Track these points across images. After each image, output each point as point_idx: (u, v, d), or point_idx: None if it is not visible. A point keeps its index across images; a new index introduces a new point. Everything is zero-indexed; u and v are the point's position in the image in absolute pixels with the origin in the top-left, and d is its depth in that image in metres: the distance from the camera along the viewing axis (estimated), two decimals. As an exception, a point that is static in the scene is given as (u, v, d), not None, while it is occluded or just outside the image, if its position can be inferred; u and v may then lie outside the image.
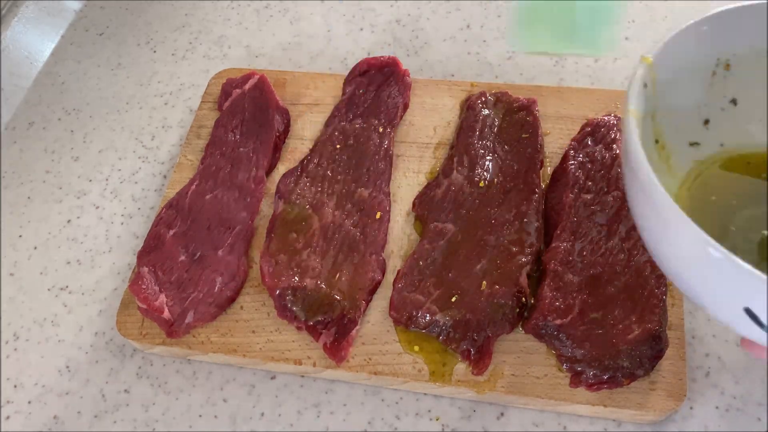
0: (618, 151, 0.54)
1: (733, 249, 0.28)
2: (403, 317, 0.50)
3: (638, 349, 0.46)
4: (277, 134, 0.62)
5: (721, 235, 0.36)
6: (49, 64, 0.77)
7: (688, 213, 0.30)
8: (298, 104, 0.65)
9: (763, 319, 0.27)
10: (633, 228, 0.51)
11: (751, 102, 0.39)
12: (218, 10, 0.79)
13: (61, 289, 0.60)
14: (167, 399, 0.53)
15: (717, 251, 0.27)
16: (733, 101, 0.40)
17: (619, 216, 0.52)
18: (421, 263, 0.52)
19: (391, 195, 0.58)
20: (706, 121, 0.40)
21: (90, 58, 0.77)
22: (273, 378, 0.53)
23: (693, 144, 0.40)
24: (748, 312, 0.27)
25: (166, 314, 0.52)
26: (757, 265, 0.27)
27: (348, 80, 0.64)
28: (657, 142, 0.39)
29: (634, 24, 0.70)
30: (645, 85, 0.35)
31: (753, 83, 0.39)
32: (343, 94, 0.64)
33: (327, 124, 0.62)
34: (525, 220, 0.53)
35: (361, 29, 0.74)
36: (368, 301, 0.53)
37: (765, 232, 0.37)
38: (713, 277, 0.28)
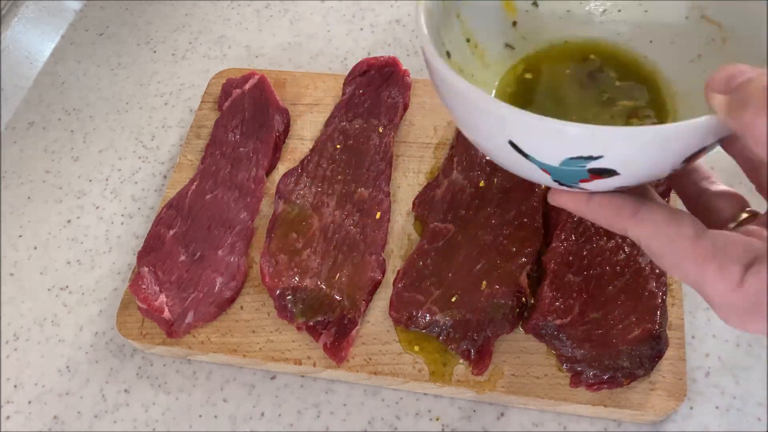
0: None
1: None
2: (403, 317, 0.50)
3: (638, 349, 0.46)
4: (277, 134, 0.62)
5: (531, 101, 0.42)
6: (49, 64, 0.77)
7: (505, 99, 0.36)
8: (298, 104, 0.65)
9: (525, 150, 0.31)
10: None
11: (550, 1, 0.43)
12: (218, 10, 0.79)
13: (61, 289, 0.60)
14: (167, 399, 0.53)
15: (477, 94, 0.31)
16: (535, 3, 0.43)
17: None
18: (421, 263, 0.52)
19: (391, 195, 0.58)
20: (514, 23, 0.44)
21: (90, 58, 0.77)
22: (273, 378, 0.53)
23: (508, 46, 0.44)
24: (512, 144, 0.32)
25: (166, 314, 0.52)
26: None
27: (348, 80, 0.64)
28: (468, 41, 0.42)
29: (634, 24, 0.70)
30: None
31: None
32: (343, 94, 0.64)
33: (327, 124, 0.62)
34: (525, 220, 0.53)
35: (361, 29, 0.74)
36: (368, 301, 0.53)
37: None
38: (480, 117, 0.33)
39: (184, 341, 0.53)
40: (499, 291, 0.49)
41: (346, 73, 0.65)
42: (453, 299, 0.50)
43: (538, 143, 0.31)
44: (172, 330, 0.52)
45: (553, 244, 0.51)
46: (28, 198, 0.66)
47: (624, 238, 0.51)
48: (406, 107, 0.63)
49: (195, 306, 0.53)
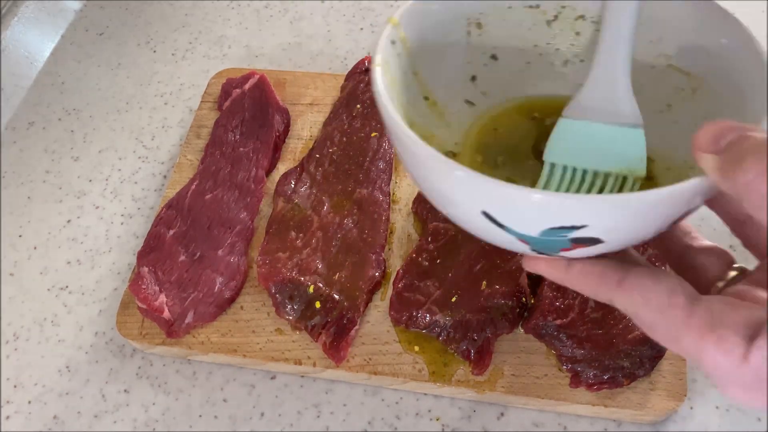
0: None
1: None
2: (403, 317, 0.50)
3: (638, 349, 0.46)
4: (277, 134, 0.62)
5: (493, 165, 0.39)
6: (49, 64, 0.77)
7: (470, 162, 0.34)
8: (298, 104, 0.65)
9: (501, 221, 0.29)
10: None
11: (509, 55, 0.41)
12: (218, 10, 0.79)
13: (61, 289, 0.60)
14: (167, 399, 0.53)
15: (446, 163, 0.29)
16: (494, 56, 0.41)
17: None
18: (420, 263, 0.52)
19: (391, 195, 0.58)
20: (473, 78, 0.41)
21: (90, 58, 0.77)
22: (273, 378, 0.53)
23: (468, 102, 0.41)
24: (486, 215, 0.29)
25: (166, 314, 0.52)
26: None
27: (349, 76, 0.64)
28: (427, 99, 0.40)
29: (634, 24, 0.70)
30: (393, 42, 0.36)
31: (507, 37, 0.41)
32: (343, 90, 0.64)
33: (327, 124, 0.62)
34: (525, 220, 0.53)
35: (361, 29, 0.74)
36: (368, 301, 0.53)
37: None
38: (449, 188, 0.31)
39: (184, 341, 0.53)
40: (499, 291, 0.49)
41: (346, 73, 0.65)
42: (453, 299, 0.50)
43: (516, 214, 0.29)
44: (171, 330, 0.52)
45: (553, 244, 0.51)
46: (28, 198, 0.66)
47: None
48: (406, 107, 0.63)
49: (195, 306, 0.53)
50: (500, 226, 0.29)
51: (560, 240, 0.29)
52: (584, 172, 0.35)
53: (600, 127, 0.36)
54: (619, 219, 0.28)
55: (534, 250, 0.31)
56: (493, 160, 0.39)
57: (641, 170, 0.35)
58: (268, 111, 0.62)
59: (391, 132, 0.33)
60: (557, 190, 0.36)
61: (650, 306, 0.29)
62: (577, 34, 0.40)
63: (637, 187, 0.35)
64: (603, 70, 0.36)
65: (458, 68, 0.41)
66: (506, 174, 0.37)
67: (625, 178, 0.35)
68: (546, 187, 0.36)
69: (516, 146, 0.40)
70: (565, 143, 0.37)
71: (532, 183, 0.37)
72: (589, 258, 0.31)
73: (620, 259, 0.32)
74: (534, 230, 0.29)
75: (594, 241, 0.29)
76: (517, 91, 0.41)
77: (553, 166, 0.36)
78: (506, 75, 0.41)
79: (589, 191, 0.35)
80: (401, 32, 0.37)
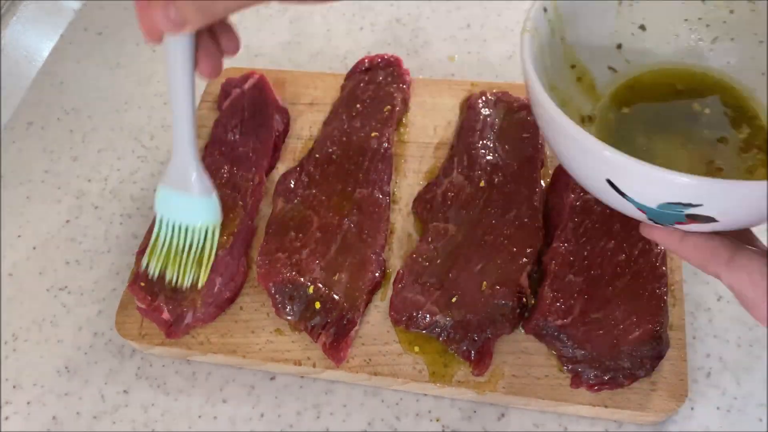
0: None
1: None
2: (403, 318, 0.50)
3: (639, 349, 0.46)
4: (277, 134, 0.61)
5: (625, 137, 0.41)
6: (48, 63, 0.77)
7: (607, 126, 0.37)
8: (298, 104, 0.65)
9: (623, 190, 0.32)
10: (634, 228, 0.51)
11: (658, 26, 0.43)
12: (218, 10, 0.79)
13: (60, 289, 0.60)
14: (166, 400, 0.53)
15: (579, 133, 0.32)
16: (642, 27, 0.43)
17: (620, 216, 0.51)
18: (421, 263, 0.52)
19: (391, 195, 0.58)
20: (619, 46, 0.43)
21: (89, 57, 0.77)
22: (273, 379, 0.53)
23: (611, 68, 0.43)
24: (610, 183, 0.32)
25: (165, 314, 0.52)
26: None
27: (349, 76, 0.64)
28: (573, 67, 0.42)
29: (634, 23, 0.70)
30: (545, 9, 0.38)
31: (659, 9, 0.43)
32: (343, 90, 0.64)
33: (326, 124, 0.62)
34: (525, 220, 0.53)
35: (361, 29, 0.74)
36: (368, 302, 0.52)
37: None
38: (580, 155, 0.33)
39: (184, 342, 0.52)
40: (500, 291, 0.49)
41: (346, 72, 0.65)
42: (453, 300, 0.50)
43: (638, 187, 0.31)
44: (171, 330, 0.52)
45: (554, 245, 0.51)
46: (27, 198, 0.66)
47: (624, 238, 0.50)
48: (406, 106, 0.63)
49: (193, 307, 0.52)
50: (622, 194, 0.32)
51: (676, 214, 0.32)
52: (179, 223, 0.50)
53: (181, 194, 0.50)
54: (732, 202, 0.30)
55: (651, 219, 0.34)
56: (628, 128, 0.41)
57: (215, 223, 0.51)
58: (268, 111, 0.62)
59: (534, 98, 0.35)
60: (165, 239, 0.50)
61: (755, 287, 0.31)
62: (731, 12, 0.41)
63: (217, 233, 0.51)
64: (176, 154, 0.49)
65: (605, 35, 0.42)
66: (640, 142, 0.38)
67: (205, 228, 0.50)
68: (156, 236, 0.50)
69: (653, 116, 0.41)
70: (163, 202, 0.51)
71: (664, 152, 0.39)
72: (703, 233, 0.34)
73: (735, 236, 0.34)
74: (652, 202, 0.32)
75: (708, 219, 0.31)
76: (661, 62, 0.43)
77: (159, 216, 0.51)
78: (652, 45, 0.43)
79: (185, 241, 0.50)
80: (554, 1, 0.39)
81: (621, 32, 0.43)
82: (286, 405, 0.52)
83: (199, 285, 0.51)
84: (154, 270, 0.52)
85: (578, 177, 0.36)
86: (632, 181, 0.31)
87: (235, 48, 0.45)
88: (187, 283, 0.51)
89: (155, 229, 0.51)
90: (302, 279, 0.52)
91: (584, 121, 0.34)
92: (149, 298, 0.52)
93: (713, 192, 0.29)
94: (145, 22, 0.41)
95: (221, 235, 0.54)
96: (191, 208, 0.50)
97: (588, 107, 0.42)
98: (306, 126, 0.64)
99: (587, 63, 0.42)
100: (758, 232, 0.36)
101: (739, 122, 0.40)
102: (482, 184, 0.55)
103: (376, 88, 0.62)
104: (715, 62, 0.42)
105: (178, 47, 0.43)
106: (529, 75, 0.34)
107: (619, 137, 0.33)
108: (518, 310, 0.49)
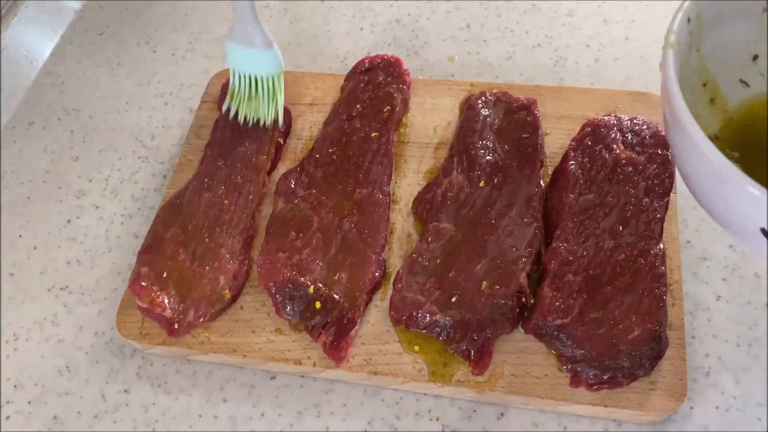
0: (618, 152, 0.54)
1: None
2: (403, 317, 0.50)
3: (638, 349, 0.46)
4: (279, 134, 0.61)
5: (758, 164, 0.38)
6: (48, 63, 0.77)
7: (731, 147, 0.32)
8: (298, 104, 0.65)
9: None
10: (633, 228, 0.51)
11: None
12: (218, 10, 0.79)
13: (61, 289, 0.60)
14: (167, 399, 0.53)
15: (740, 178, 0.28)
16: None
17: (620, 216, 0.52)
18: (421, 263, 0.52)
19: (391, 195, 0.58)
20: (755, 57, 0.40)
21: (90, 57, 0.77)
22: (273, 378, 0.53)
23: (743, 82, 0.40)
24: (765, 232, 0.29)
25: (166, 314, 0.52)
26: None
27: (349, 76, 0.64)
28: (705, 84, 0.39)
29: (634, 24, 0.70)
30: (689, 20, 0.35)
31: None
32: (343, 90, 0.64)
33: (327, 124, 0.62)
34: (525, 220, 0.53)
35: (361, 29, 0.74)
36: (368, 301, 0.53)
37: None
38: (729, 197, 0.30)
39: (184, 341, 0.52)
40: (499, 291, 0.49)
41: (346, 73, 0.65)
42: (453, 299, 0.50)
43: None
44: (172, 330, 0.52)
45: (554, 245, 0.51)
46: (28, 198, 0.66)
47: (624, 238, 0.51)
48: (406, 107, 0.63)
49: (195, 306, 0.53)
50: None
51: None
52: (249, 75, 0.60)
53: (246, 49, 0.59)
54: None
55: None
56: (754, 150, 0.38)
57: (279, 70, 0.60)
58: (269, 111, 0.62)
59: (673, 123, 0.31)
60: (238, 86, 0.61)
61: None
62: None
63: (281, 79, 0.61)
64: (236, 14, 0.57)
65: (741, 46, 0.39)
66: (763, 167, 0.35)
67: (271, 76, 0.60)
68: (233, 86, 0.61)
69: None
70: (232, 57, 0.60)
71: None
72: None
73: None
74: None
75: None
76: None
77: (232, 69, 0.60)
78: None
79: (251, 86, 0.60)
80: (698, 7, 0.35)
81: (758, 41, 0.39)
82: (287, 404, 0.52)
83: (279, 122, 0.60)
84: (238, 113, 0.61)
85: (718, 215, 0.32)
86: None
87: None
88: (266, 120, 0.60)
89: (231, 80, 0.61)
90: (302, 279, 0.52)
91: (710, 140, 0.30)
92: (151, 297, 0.52)
93: None
94: None
95: (225, 237, 0.55)
96: (257, 60, 0.59)
97: (714, 126, 0.39)
98: (306, 126, 0.64)
99: (718, 76, 0.39)
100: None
101: None
102: (482, 184, 0.56)
103: (376, 88, 0.63)
104: None
105: None
106: (675, 99, 0.31)
107: (746, 160, 0.29)
108: (518, 310, 0.49)
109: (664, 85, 0.32)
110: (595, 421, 0.49)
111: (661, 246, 0.50)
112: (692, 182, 0.33)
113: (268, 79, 0.60)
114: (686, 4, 0.34)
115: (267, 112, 0.60)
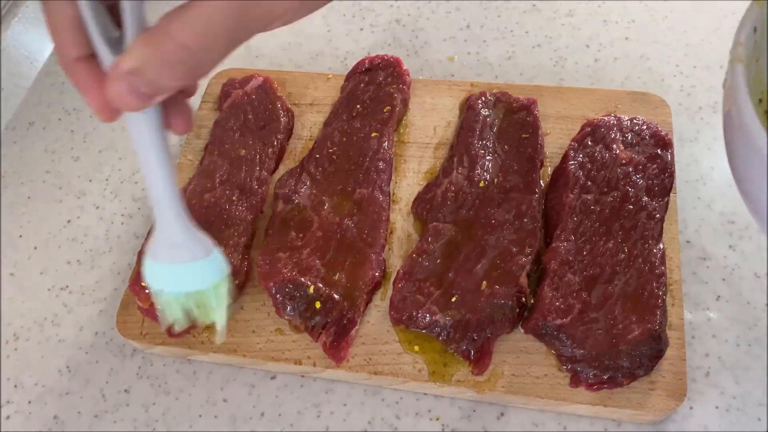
0: (618, 152, 0.54)
1: None
2: (403, 317, 0.50)
3: (638, 349, 0.46)
4: (282, 135, 0.61)
5: None
6: (49, 64, 0.77)
7: None
8: (298, 104, 0.65)
9: None
10: (633, 228, 0.51)
11: None
12: (218, 10, 0.79)
13: (62, 289, 0.60)
14: (167, 399, 0.53)
15: None
16: None
17: (620, 216, 0.52)
18: (421, 263, 0.52)
19: (391, 195, 0.58)
20: None
21: (90, 58, 0.77)
22: (273, 378, 0.53)
23: None
24: None
25: (166, 314, 0.52)
26: None
27: (349, 76, 0.64)
28: (761, 101, 0.36)
29: (634, 24, 0.70)
30: (755, 29, 0.32)
31: None
32: (343, 90, 0.64)
33: (327, 124, 0.62)
34: (525, 220, 0.53)
35: (361, 29, 0.74)
36: (368, 301, 0.53)
37: None
38: None
39: (184, 341, 0.53)
40: (499, 291, 0.49)
41: (346, 73, 0.65)
42: (453, 299, 0.50)
43: None
44: (171, 330, 0.52)
45: (553, 244, 0.51)
46: (28, 198, 0.66)
47: (624, 238, 0.51)
48: (406, 107, 0.63)
49: (195, 306, 0.53)
50: None
51: None
52: (185, 294, 0.43)
53: (176, 266, 0.42)
54: None
55: None
56: None
57: (223, 276, 0.44)
58: (274, 113, 0.62)
59: (747, 142, 0.29)
60: (173, 309, 0.44)
61: None
62: None
63: (226, 282, 0.44)
64: (163, 233, 0.41)
65: None
66: None
67: (215, 286, 0.43)
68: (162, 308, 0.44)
69: None
70: (160, 277, 0.43)
71: None
72: None
73: None
74: None
75: None
76: None
77: (159, 294, 0.43)
78: None
79: (193, 307, 0.44)
80: (764, 15, 0.32)
81: None
82: (287, 404, 0.52)
83: (219, 329, 0.46)
84: (172, 326, 0.47)
85: None
86: None
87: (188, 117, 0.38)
88: (221, 324, 0.46)
89: (157, 304, 0.45)
90: (303, 279, 0.52)
91: None
92: (151, 297, 0.52)
93: None
94: (97, 101, 0.33)
95: (225, 237, 0.54)
96: (191, 275, 0.43)
97: None
98: (306, 126, 0.64)
99: None
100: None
101: None
102: (482, 184, 0.56)
103: (376, 88, 0.63)
104: None
105: (145, 117, 0.35)
106: (749, 118, 0.28)
107: None
108: (517, 310, 0.49)
109: (736, 107, 0.29)
110: (595, 421, 0.49)
111: (661, 246, 0.50)
112: (757, 206, 0.31)
113: (208, 291, 0.44)
114: (753, 11, 0.31)
115: (220, 316, 0.45)
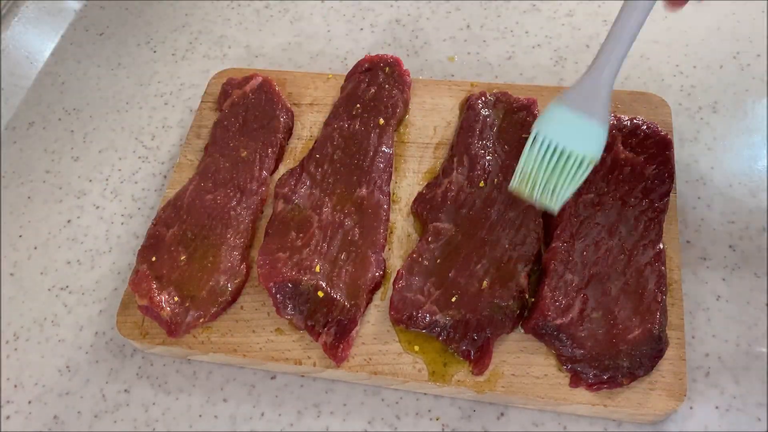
0: (618, 152, 0.54)
1: None
2: (403, 317, 0.50)
3: (638, 349, 0.46)
4: (282, 135, 0.61)
5: None
6: (49, 64, 0.77)
7: None
8: (298, 104, 0.65)
9: None
10: (633, 228, 0.51)
11: None
12: (218, 10, 0.79)
13: (62, 289, 0.60)
14: (167, 399, 0.53)
15: None
16: None
17: (620, 216, 0.52)
18: (421, 263, 0.52)
19: (391, 195, 0.58)
20: None
21: (90, 58, 0.77)
22: (273, 378, 0.53)
23: None
24: None
25: (166, 313, 0.52)
26: None
27: (349, 76, 0.64)
28: None
29: (634, 24, 0.70)
30: None
31: None
32: (343, 90, 0.64)
33: (327, 124, 0.62)
34: (525, 219, 0.53)
35: (361, 29, 0.74)
36: (368, 301, 0.53)
37: None
38: None
39: (184, 341, 0.53)
40: (499, 291, 0.49)
41: (346, 73, 0.65)
42: (453, 299, 0.50)
43: None
44: (172, 329, 0.52)
45: (554, 244, 0.51)
46: (28, 198, 0.66)
47: (624, 238, 0.51)
48: (406, 107, 0.63)
49: (195, 306, 0.53)
50: None
51: None
52: (556, 145, 0.47)
53: (577, 117, 0.46)
54: None
55: None
56: None
57: (596, 157, 0.46)
58: (274, 112, 0.62)
59: None
60: (534, 156, 0.47)
61: None
62: None
63: (590, 168, 0.46)
64: (593, 74, 0.45)
65: None
66: None
67: (582, 159, 0.46)
68: (527, 154, 0.47)
69: None
70: (550, 120, 0.47)
71: None
72: None
73: None
74: None
75: None
76: None
77: (536, 134, 0.47)
78: None
79: (550, 161, 0.47)
80: None
81: None
82: (287, 404, 0.52)
83: (556, 207, 0.48)
84: (519, 188, 0.48)
85: None
86: None
87: None
88: (552, 204, 0.47)
89: (527, 148, 0.48)
90: (303, 279, 0.52)
91: None
92: (151, 296, 0.52)
93: None
94: None
95: (226, 236, 0.55)
96: (581, 133, 0.46)
97: None
98: (306, 126, 0.64)
99: None
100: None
101: None
102: (482, 184, 0.56)
103: (376, 88, 0.63)
104: None
105: None
106: None
107: None
108: (517, 310, 0.49)
109: None
110: (595, 421, 0.49)
111: (661, 246, 0.50)
112: None
113: (577, 158, 0.46)
114: None
115: (555, 195, 0.47)
